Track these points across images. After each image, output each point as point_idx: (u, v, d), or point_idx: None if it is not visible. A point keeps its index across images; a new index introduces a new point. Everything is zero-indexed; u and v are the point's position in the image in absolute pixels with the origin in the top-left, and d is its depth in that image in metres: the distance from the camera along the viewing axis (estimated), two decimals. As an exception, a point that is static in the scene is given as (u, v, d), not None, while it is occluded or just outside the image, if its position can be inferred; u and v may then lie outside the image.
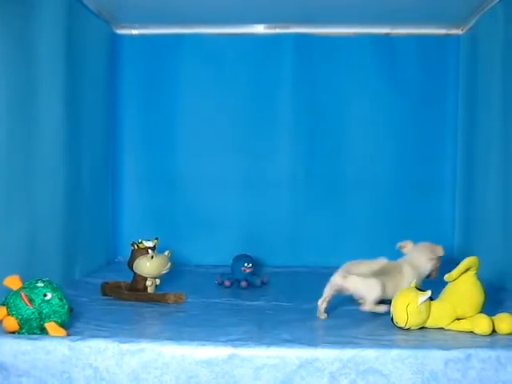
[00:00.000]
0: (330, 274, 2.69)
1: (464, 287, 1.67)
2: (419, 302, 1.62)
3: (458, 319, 1.66)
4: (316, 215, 2.88)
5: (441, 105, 2.88)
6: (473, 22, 2.66)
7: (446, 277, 1.68)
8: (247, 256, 2.42)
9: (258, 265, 2.53)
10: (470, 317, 1.64)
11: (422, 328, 1.66)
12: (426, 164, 2.88)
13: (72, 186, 2.32)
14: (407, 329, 1.64)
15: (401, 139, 2.88)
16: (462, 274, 1.67)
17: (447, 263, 2.67)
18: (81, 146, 2.43)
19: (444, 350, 1.39)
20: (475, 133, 2.62)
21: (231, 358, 1.39)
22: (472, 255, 1.69)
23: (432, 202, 2.89)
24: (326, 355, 1.38)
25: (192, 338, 1.50)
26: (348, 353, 1.39)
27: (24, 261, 1.92)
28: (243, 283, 2.32)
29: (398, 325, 1.65)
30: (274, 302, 2.03)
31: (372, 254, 2.85)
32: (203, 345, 1.41)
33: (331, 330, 1.63)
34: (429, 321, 1.65)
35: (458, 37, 2.84)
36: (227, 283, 2.33)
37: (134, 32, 2.92)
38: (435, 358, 1.38)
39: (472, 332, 1.61)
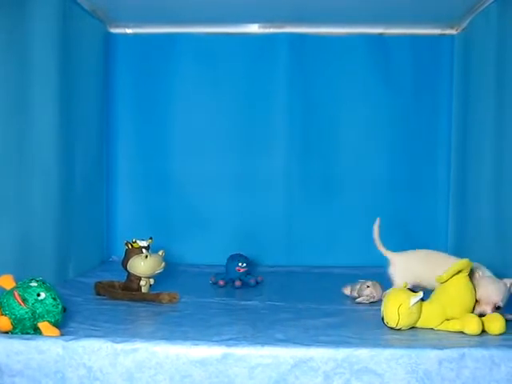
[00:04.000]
0: (325, 274, 2.70)
1: (454, 289, 1.67)
2: (411, 304, 1.62)
3: (448, 320, 1.66)
4: (311, 215, 2.88)
5: (435, 105, 2.88)
6: (467, 22, 2.66)
7: (437, 278, 1.69)
8: (241, 255, 2.42)
9: (252, 264, 2.52)
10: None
11: (416, 328, 1.66)
12: (419, 164, 2.88)
13: (66, 185, 2.31)
14: (398, 329, 1.64)
15: (395, 139, 2.88)
16: (453, 276, 1.67)
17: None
18: (75, 146, 2.42)
19: (438, 350, 1.39)
20: (469, 133, 2.62)
21: (225, 357, 1.39)
22: (465, 255, 1.69)
23: (426, 201, 2.89)
24: (321, 355, 1.38)
25: (186, 337, 1.50)
26: (342, 352, 1.39)
27: (17, 260, 1.92)
28: (237, 283, 2.31)
29: (389, 325, 1.65)
30: (269, 302, 2.03)
31: (366, 254, 2.87)
32: (197, 344, 1.41)
33: (325, 329, 1.63)
34: (419, 321, 1.65)
35: (452, 37, 2.84)
36: (221, 283, 2.33)
37: (128, 31, 2.91)
38: (429, 357, 1.38)
39: (462, 332, 1.61)
